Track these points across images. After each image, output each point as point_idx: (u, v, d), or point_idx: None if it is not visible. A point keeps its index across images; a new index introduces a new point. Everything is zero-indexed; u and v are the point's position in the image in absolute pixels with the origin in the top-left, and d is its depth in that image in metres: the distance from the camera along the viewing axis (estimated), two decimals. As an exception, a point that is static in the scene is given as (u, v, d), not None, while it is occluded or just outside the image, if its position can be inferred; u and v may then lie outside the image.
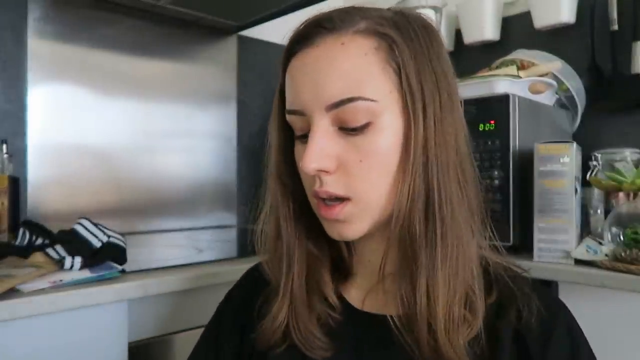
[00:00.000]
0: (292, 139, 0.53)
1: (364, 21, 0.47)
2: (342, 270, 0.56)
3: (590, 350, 0.50)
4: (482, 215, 0.51)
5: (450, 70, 0.50)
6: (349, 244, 0.56)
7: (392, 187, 0.47)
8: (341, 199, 0.48)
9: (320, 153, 0.46)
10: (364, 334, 0.52)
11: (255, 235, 0.57)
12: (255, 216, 0.58)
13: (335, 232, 0.50)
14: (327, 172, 0.47)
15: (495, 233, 0.53)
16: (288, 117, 0.51)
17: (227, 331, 0.60)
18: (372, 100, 0.46)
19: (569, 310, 0.51)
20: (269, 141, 0.56)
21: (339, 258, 0.56)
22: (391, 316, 0.48)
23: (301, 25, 0.50)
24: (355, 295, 0.55)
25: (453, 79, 0.50)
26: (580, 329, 0.50)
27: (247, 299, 0.60)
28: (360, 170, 0.47)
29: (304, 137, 0.49)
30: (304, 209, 0.53)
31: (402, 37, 0.47)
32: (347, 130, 0.47)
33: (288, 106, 0.50)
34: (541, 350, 0.47)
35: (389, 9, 0.51)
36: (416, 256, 0.47)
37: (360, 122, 0.46)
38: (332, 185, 0.47)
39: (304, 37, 0.49)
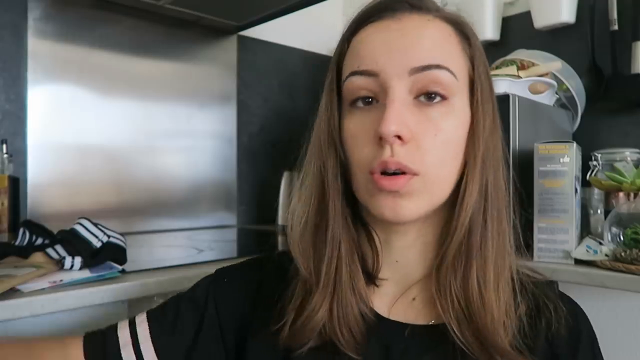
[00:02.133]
0: (339, 114, 0.49)
1: (441, 10, 0.49)
2: (368, 274, 0.52)
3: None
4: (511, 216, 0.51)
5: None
6: (375, 245, 0.51)
7: (454, 173, 0.47)
8: (407, 173, 0.44)
9: (401, 118, 0.44)
10: (397, 343, 0.49)
11: (289, 217, 0.52)
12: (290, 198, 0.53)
13: (391, 208, 0.45)
14: (402, 140, 0.44)
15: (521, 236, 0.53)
16: (353, 79, 0.47)
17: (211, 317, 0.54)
18: (455, 76, 0.46)
19: (587, 318, 0.53)
20: (317, 120, 0.52)
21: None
22: (448, 323, 0.46)
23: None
24: (379, 302, 0.51)
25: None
26: (596, 339, 0.52)
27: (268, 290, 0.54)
28: (433, 145, 0.45)
29: (365, 102, 0.47)
30: (347, 193, 0.50)
31: (472, 34, 0.50)
32: (425, 99, 0.45)
33: (356, 67, 0.47)
34: (571, 357, 0.49)
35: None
36: (471, 251, 0.46)
37: (439, 92, 0.45)
38: (403, 156, 0.44)
39: (385, 9, 0.48)
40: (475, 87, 0.48)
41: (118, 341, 0.55)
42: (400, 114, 0.44)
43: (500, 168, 0.49)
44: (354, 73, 0.47)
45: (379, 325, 0.49)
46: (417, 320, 0.49)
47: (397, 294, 0.51)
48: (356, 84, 0.47)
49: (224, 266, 0.60)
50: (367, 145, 0.46)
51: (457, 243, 0.47)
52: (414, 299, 0.51)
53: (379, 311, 0.50)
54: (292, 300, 0.50)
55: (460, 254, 0.47)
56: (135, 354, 0.54)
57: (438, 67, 0.45)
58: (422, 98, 0.45)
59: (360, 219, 0.52)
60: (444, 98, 0.45)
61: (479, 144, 0.47)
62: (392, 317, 0.50)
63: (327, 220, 0.49)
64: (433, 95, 0.45)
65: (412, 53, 0.45)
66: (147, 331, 0.55)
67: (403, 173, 0.44)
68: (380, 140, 0.44)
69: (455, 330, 0.45)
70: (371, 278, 0.51)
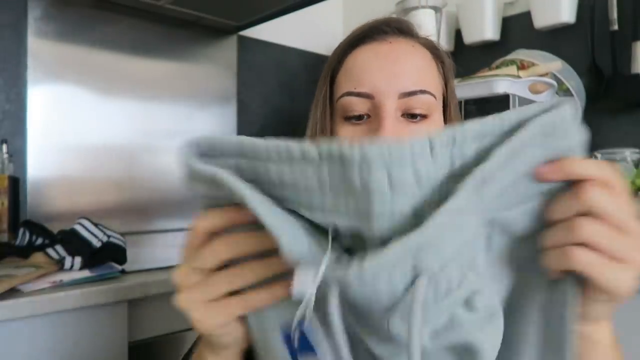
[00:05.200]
0: (330, 123, 0.57)
1: (419, 36, 0.57)
2: None
3: None
4: None
5: None
6: None
7: None
8: None
9: (393, 132, 0.51)
10: None
11: None
12: None
13: None
14: None
15: None
16: (347, 98, 0.54)
17: None
18: (434, 97, 0.53)
19: None
20: (308, 130, 0.60)
21: None
22: None
23: (372, 22, 0.56)
24: None
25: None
26: None
27: None
28: None
29: (359, 119, 0.53)
30: None
31: (444, 56, 0.58)
32: (411, 117, 0.53)
33: (352, 88, 0.53)
34: None
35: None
36: None
37: (423, 111, 0.53)
38: None
39: (375, 32, 0.55)
40: (448, 103, 0.57)
41: None
42: (392, 128, 0.51)
43: None
44: (350, 93, 0.53)
45: None
46: None
47: None
48: (352, 103, 0.53)
49: None
50: None
51: None
52: None
53: None
54: None
55: None
56: None
57: (422, 92, 0.52)
58: (407, 116, 0.53)
59: None
60: (425, 116, 0.53)
61: None
62: None
63: None
64: (416, 115, 0.53)
65: (402, 79, 0.52)
66: None
67: None
68: None
69: None
70: None
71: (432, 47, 0.57)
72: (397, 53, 0.53)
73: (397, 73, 0.52)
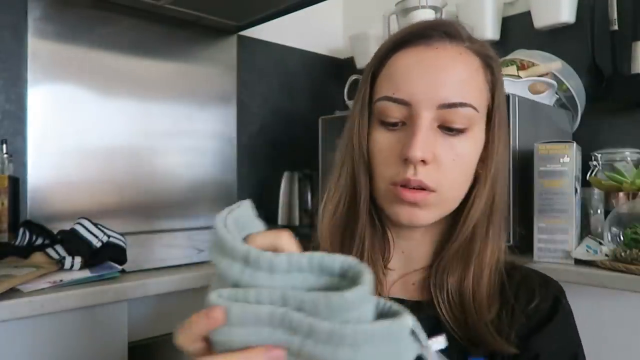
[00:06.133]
0: (368, 125, 0.55)
1: (472, 40, 0.54)
2: None
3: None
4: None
5: None
6: (387, 236, 0.58)
7: (464, 190, 0.54)
8: (426, 189, 0.51)
9: (426, 144, 0.50)
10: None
11: (318, 219, 0.59)
12: (314, 214, 0.60)
13: (407, 215, 0.52)
14: (425, 162, 0.50)
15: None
16: (385, 103, 0.52)
17: None
18: (476, 110, 0.51)
19: (563, 291, 0.56)
20: (347, 126, 0.57)
21: None
22: (437, 303, 0.52)
23: (420, 24, 0.54)
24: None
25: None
26: (572, 312, 0.56)
27: None
28: (451, 168, 0.51)
29: (394, 125, 0.52)
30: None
31: (496, 65, 0.55)
32: (448, 130, 0.51)
33: (390, 94, 0.52)
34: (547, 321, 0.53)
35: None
36: (471, 254, 0.53)
37: (461, 125, 0.51)
38: (425, 176, 0.50)
39: (422, 36, 0.53)
40: (494, 115, 0.54)
41: None
42: (425, 140, 0.50)
43: (506, 182, 0.56)
44: (388, 98, 0.52)
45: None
46: (412, 297, 0.56)
47: (397, 278, 0.58)
48: (389, 108, 0.52)
49: None
50: (392, 161, 0.52)
51: (454, 249, 0.54)
52: (413, 283, 0.57)
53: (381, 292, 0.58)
54: None
55: (459, 257, 0.54)
56: None
57: (462, 105, 0.50)
58: (444, 129, 0.51)
59: (376, 215, 0.58)
60: (465, 129, 0.51)
61: (490, 166, 0.53)
62: (391, 295, 0.57)
63: (356, 219, 0.56)
64: (453, 129, 0.51)
65: (442, 90, 0.50)
66: None
67: (422, 189, 0.51)
68: (406, 160, 0.50)
69: (445, 311, 0.52)
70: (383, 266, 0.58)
71: (483, 55, 0.54)
72: (441, 61, 0.51)
73: (438, 83, 0.50)
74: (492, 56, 0.55)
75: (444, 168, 0.51)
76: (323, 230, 0.57)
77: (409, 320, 0.31)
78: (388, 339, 0.30)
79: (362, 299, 0.30)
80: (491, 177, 0.53)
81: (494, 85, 0.54)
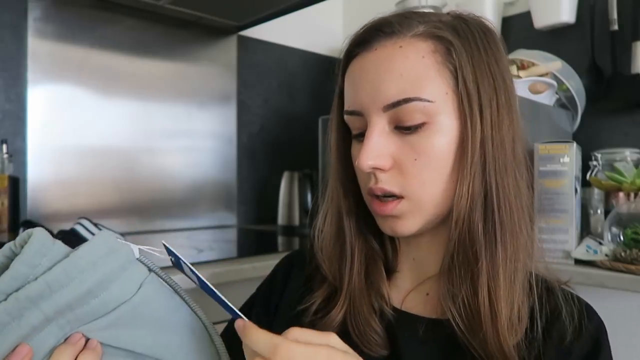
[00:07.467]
0: (350, 139, 0.54)
1: (422, 25, 0.49)
2: (386, 268, 0.57)
3: None
4: (534, 220, 0.51)
5: (509, 74, 0.51)
6: (395, 242, 0.57)
7: (447, 187, 0.48)
8: (395, 196, 0.49)
9: (376, 151, 0.48)
10: (410, 334, 0.51)
11: (314, 232, 0.58)
12: (314, 215, 0.59)
13: (389, 227, 0.51)
14: (382, 169, 0.49)
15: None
16: (346, 117, 0.52)
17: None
18: (429, 101, 0.47)
19: (605, 328, 0.50)
20: (329, 142, 0.57)
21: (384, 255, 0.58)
22: (453, 318, 0.47)
23: (360, 29, 0.52)
24: (394, 294, 0.55)
25: (511, 83, 0.51)
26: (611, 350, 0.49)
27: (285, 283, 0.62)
28: (414, 169, 0.48)
29: (361, 136, 0.51)
30: (362, 206, 0.54)
31: (460, 40, 0.48)
32: (403, 129, 0.48)
33: (346, 107, 0.52)
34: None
35: (448, 14, 0.52)
36: (477, 258, 0.47)
37: (415, 121, 0.47)
38: (386, 183, 0.49)
39: (362, 42, 0.51)
40: (461, 96, 0.47)
41: None
42: (377, 147, 0.48)
43: (510, 171, 0.49)
44: (346, 112, 0.52)
45: (393, 317, 0.53)
46: (428, 313, 0.52)
47: (410, 287, 0.55)
48: (350, 121, 0.52)
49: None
50: (361, 173, 0.52)
51: (459, 252, 0.48)
52: (427, 294, 0.53)
53: (394, 303, 0.54)
54: (320, 289, 0.56)
55: (468, 263, 0.48)
56: None
57: (407, 100, 0.47)
58: (400, 128, 0.48)
59: None
60: (422, 123, 0.47)
61: (469, 155, 0.47)
62: (404, 309, 0.53)
63: (344, 236, 0.55)
64: (408, 125, 0.48)
65: (381, 91, 0.48)
66: None
67: (389, 196, 0.49)
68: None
69: (463, 329, 0.47)
70: (389, 271, 0.56)
71: (434, 36, 0.48)
72: (380, 61, 0.48)
73: (378, 84, 0.48)
74: (445, 30, 0.48)
75: (407, 170, 0.48)
76: (318, 247, 0.58)
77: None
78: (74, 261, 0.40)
79: (35, 251, 0.37)
80: (478, 164, 0.47)
81: (458, 63, 0.47)
